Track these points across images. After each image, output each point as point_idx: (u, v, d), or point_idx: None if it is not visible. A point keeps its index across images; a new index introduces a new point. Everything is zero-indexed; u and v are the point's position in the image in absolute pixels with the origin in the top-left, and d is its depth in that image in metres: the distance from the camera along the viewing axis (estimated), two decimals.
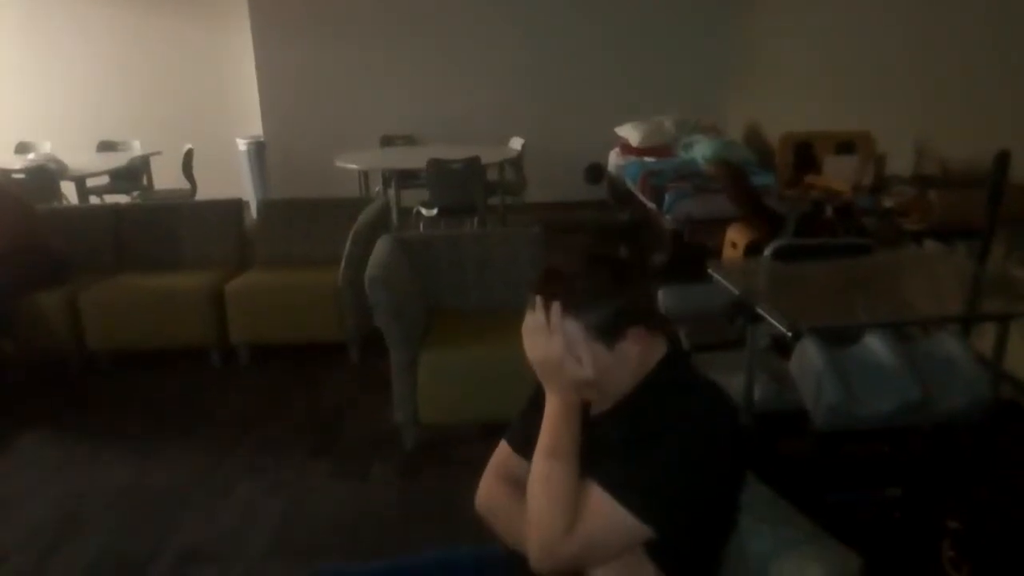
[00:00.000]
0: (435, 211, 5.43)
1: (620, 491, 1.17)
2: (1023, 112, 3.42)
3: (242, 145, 7.49)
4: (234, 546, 2.55)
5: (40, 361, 4.01)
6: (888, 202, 3.36)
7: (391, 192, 5.65)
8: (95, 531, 2.65)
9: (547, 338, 1.24)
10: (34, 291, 3.85)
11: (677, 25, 7.19)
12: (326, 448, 3.18)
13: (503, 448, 1.46)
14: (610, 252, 1.38)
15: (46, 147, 6.64)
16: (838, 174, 3.84)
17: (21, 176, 5.40)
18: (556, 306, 1.23)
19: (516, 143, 6.20)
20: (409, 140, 6.90)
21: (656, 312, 1.36)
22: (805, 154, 4.26)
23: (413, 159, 5.67)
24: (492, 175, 5.78)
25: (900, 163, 4.13)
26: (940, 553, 2.15)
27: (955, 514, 2.24)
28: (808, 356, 2.05)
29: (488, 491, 1.42)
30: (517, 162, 6.07)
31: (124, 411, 3.61)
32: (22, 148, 6.71)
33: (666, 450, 1.18)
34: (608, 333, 1.24)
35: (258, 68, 7.20)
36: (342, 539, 2.57)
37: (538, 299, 1.26)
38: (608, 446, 1.25)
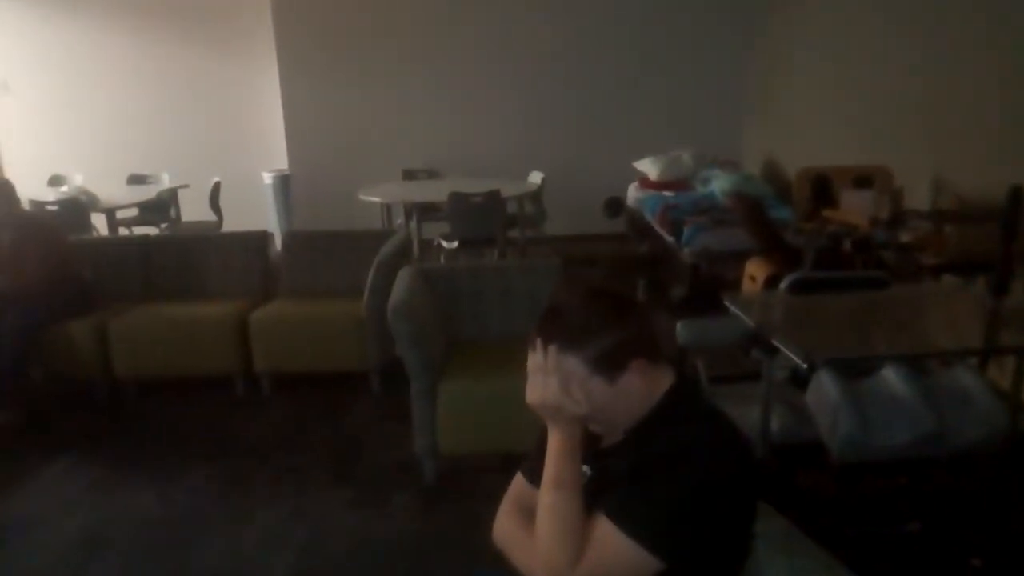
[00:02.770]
0: (455, 243, 5.51)
1: (627, 522, 1.18)
2: None
3: (268, 178, 7.64)
4: (256, 572, 2.58)
5: (68, 388, 4.10)
6: (905, 236, 3.38)
7: (413, 225, 5.74)
8: (120, 555, 2.70)
9: (544, 379, 1.27)
10: (64, 320, 3.95)
11: (696, 60, 7.29)
12: (347, 477, 3.21)
13: (518, 479, 1.48)
14: (609, 286, 1.39)
15: (78, 180, 6.81)
16: (855, 208, 3.87)
17: (54, 208, 5.55)
18: (552, 348, 1.26)
19: (536, 177, 6.28)
20: (431, 174, 7.00)
21: (658, 343, 1.34)
22: (823, 188, 4.30)
23: (434, 192, 5.77)
24: (512, 208, 5.86)
25: (918, 197, 4.16)
26: None
27: (978, 551, 2.22)
28: (824, 388, 2.07)
29: (503, 522, 1.43)
30: (537, 195, 6.14)
31: (149, 438, 3.68)
32: (55, 181, 6.88)
33: (673, 479, 1.19)
34: (609, 366, 1.26)
35: (284, 104, 7.37)
36: (362, 567, 2.60)
37: (537, 340, 1.29)
38: (617, 477, 1.26)
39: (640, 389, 1.28)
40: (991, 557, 2.18)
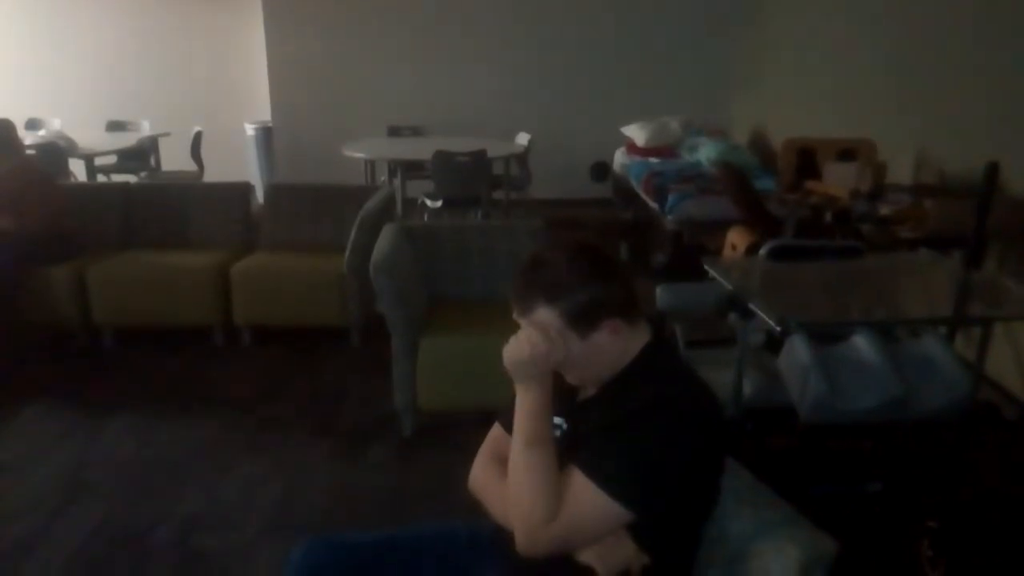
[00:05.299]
0: (439, 202, 5.49)
1: (600, 476, 1.20)
2: (1018, 125, 3.48)
3: (250, 130, 7.55)
4: (234, 519, 2.62)
5: (46, 334, 4.08)
6: (885, 209, 3.42)
7: (397, 182, 5.71)
8: (97, 499, 2.72)
9: (521, 333, 1.28)
10: (46, 265, 3.92)
11: (687, 28, 7.24)
12: (326, 429, 3.24)
13: (495, 431, 1.50)
14: (592, 243, 1.37)
15: (56, 124, 6.69)
16: (838, 180, 3.90)
17: (31, 152, 5.45)
18: (531, 300, 1.28)
19: (523, 138, 6.25)
20: (416, 131, 6.94)
21: (637, 303, 1.35)
22: (807, 159, 4.32)
23: (419, 150, 5.72)
24: (498, 169, 5.84)
25: (900, 172, 4.19)
26: (919, 550, 2.22)
27: (934, 513, 2.30)
28: (796, 352, 2.11)
29: (479, 473, 1.47)
30: (523, 157, 6.12)
31: (127, 386, 3.68)
32: (32, 124, 6.75)
33: (643, 433, 1.22)
34: (582, 322, 1.27)
35: (269, 54, 7.25)
36: (339, 516, 2.64)
37: (516, 292, 1.30)
38: (591, 431, 1.29)
39: (612, 347, 1.30)
40: (945, 519, 2.26)
